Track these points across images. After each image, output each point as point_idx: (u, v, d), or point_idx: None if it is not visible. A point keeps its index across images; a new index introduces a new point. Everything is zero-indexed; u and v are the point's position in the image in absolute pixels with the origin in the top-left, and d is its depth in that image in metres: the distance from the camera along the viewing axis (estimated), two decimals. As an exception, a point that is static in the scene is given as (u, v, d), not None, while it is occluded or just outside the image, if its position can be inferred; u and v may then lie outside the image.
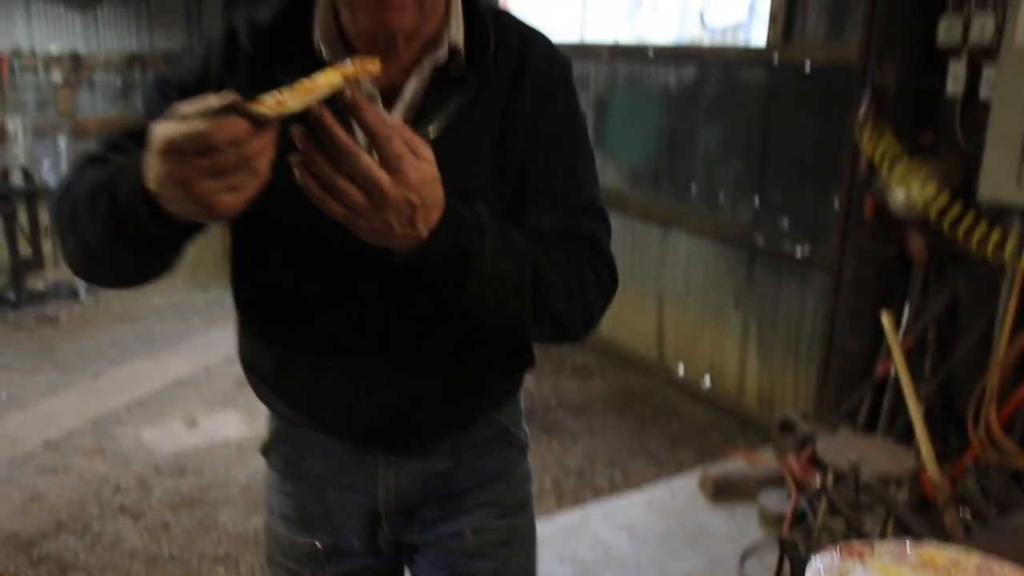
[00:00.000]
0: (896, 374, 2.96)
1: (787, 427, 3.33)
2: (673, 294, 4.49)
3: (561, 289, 1.07)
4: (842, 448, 2.69)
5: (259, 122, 0.76)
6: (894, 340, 3.00)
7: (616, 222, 1.39)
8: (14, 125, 8.37)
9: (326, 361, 1.15)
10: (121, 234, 0.91)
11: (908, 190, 2.88)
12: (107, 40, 9.92)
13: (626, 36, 4.66)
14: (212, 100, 0.77)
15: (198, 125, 0.76)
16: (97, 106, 10.01)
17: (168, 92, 1.04)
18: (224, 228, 1.15)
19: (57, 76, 9.64)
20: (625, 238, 4.66)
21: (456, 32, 1.07)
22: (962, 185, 2.89)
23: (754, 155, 3.95)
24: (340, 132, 0.82)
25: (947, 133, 2.97)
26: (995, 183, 2.72)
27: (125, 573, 2.97)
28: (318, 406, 1.20)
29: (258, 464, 3.65)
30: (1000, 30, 2.74)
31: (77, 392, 4.42)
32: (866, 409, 3.17)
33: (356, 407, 1.17)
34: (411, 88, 1.06)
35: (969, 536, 2.42)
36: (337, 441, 1.23)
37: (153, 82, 1.10)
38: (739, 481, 3.25)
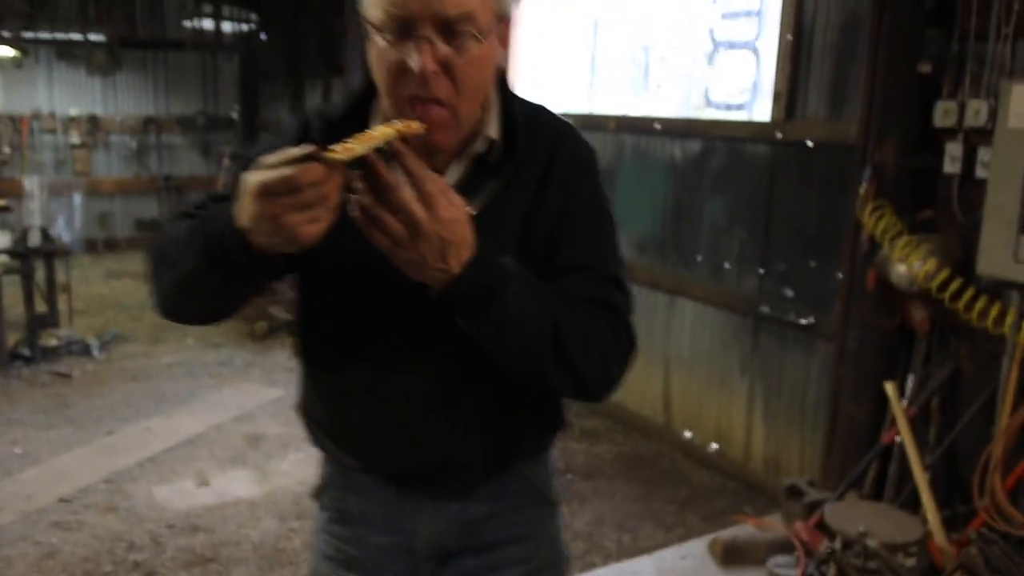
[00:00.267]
0: (901, 442, 3.04)
1: (794, 493, 3.38)
2: (680, 360, 4.57)
3: (580, 343, 1.17)
4: (850, 515, 2.75)
5: (332, 165, 0.97)
6: (899, 409, 3.08)
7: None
8: (32, 184, 8.55)
9: (372, 407, 1.28)
10: (214, 265, 1.09)
11: (909, 265, 3.00)
12: (124, 104, 10.19)
13: (633, 109, 4.84)
14: (293, 151, 0.98)
15: (286, 171, 0.97)
16: (112, 167, 10.24)
17: (247, 167, 1.19)
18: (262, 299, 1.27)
19: (75, 137, 9.88)
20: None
21: (493, 127, 1.23)
22: (962, 260, 3.01)
23: (758, 227, 4.08)
24: (384, 170, 1.00)
25: (945, 210, 3.11)
26: (993, 259, 2.84)
27: (140, 630, 3.00)
28: (365, 449, 1.33)
29: (270, 524, 3.70)
30: (994, 114, 2.89)
31: (90, 449, 4.46)
32: (873, 476, 3.23)
33: (399, 450, 1.30)
34: (453, 173, 1.22)
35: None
36: (383, 484, 1.35)
37: (235, 162, 1.31)
38: (748, 546, 3.29)
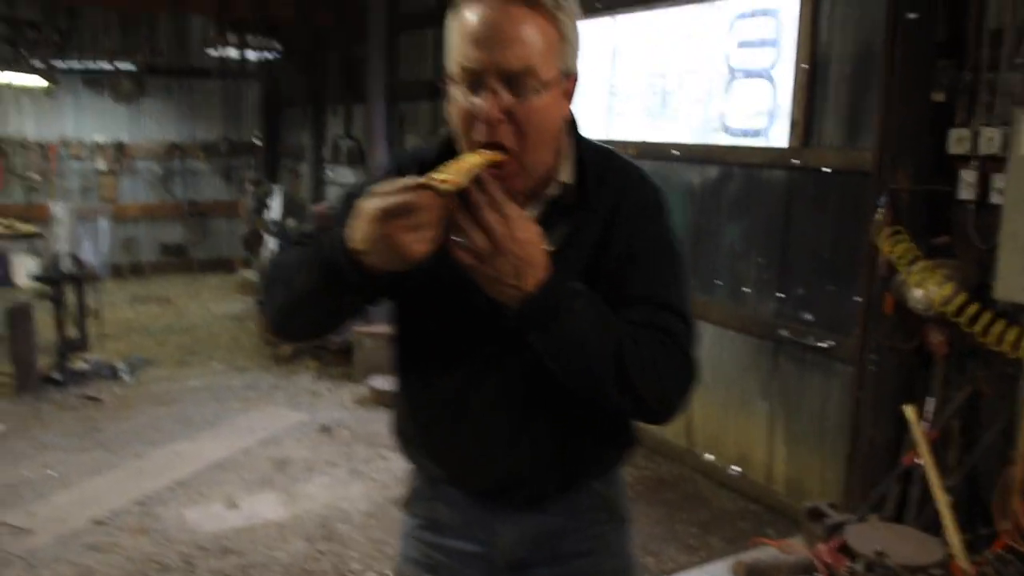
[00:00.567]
0: (922, 465, 3.08)
1: (816, 515, 3.42)
2: (701, 383, 4.61)
3: (641, 366, 1.25)
4: (872, 537, 2.79)
5: (441, 193, 1.13)
6: (919, 432, 3.13)
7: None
8: (59, 210, 8.75)
9: (456, 424, 1.44)
10: (327, 283, 1.24)
11: (926, 289, 3.05)
12: (149, 130, 10.39)
13: (651, 136, 4.92)
14: (407, 180, 1.14)
15: (404, 196, 1.13)
16: (137, 192, 10.43)
17: (354, 204, 1.34)
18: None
19: (101, 164, 10.08)
20: (652, 328, 4.81)
21: (566, 172, 1.37)
22: (979, 285, 3.06)
23: (776, 251, 4.14)
24: (474, 192, 1.16)
25: (962, 235, 3.16)
26: (1009, 283, 2.89)
27: (175, 651, 3.07)
28: (450, 463, 1.48)
29: (298, 545, 3.78)
30: (1007, 142, 2.95)
31: (121, 472, 4.56)
32: (894, 498, 3.27)
33: (479, 465, 1.45)
34: (529, 214, 1.32)
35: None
36: (466, 495, 1.49)
37: (342, 199, 1.45)
38: (771, 568, 3.33)
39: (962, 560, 2.77)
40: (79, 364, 6.11)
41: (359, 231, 1.18)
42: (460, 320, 1.38)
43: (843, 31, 3.75)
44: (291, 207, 8.96)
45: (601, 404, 1.32)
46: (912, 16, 3.25)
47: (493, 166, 1.21)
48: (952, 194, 3.18)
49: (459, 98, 1.26)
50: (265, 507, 4.16)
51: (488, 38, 1.22)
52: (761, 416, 4.27)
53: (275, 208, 8.86)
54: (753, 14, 4.23)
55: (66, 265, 6.08)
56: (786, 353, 4.12)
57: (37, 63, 7.77)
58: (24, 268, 8.98)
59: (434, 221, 1.14)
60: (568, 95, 1.34)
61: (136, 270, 10.31)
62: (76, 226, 9.47)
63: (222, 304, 8.90)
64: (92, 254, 9.16)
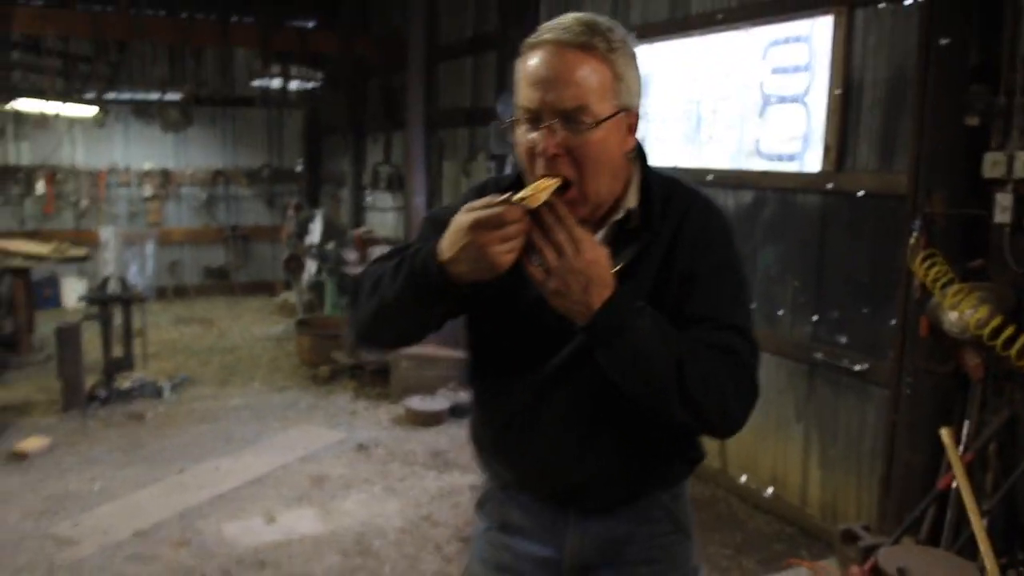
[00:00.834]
0: (958, 488, 3.06)
1: (850, 538, 3.40)
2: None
3: (702, 381, 1.32)
4: (906, 560, 2.78)
5: (527, 209, 1.27)
6: (955, 455, 3.11)
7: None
8: (107, 234, 9.01)
9: (527, 433, 1.53)
10: (415, 292, 1.36)
11: (961, 312, 3.05)
12: (194, 158, 10.68)
13: (686, 161, 4.97)
14: (499, 197, 1.28)
15: (497, 210, 1.25)
16: (182, 217, 10.69)
17: (436, 225, 1.46)
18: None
19: (148, 190, 10.36)
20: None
21: (632, 199, 1.47)
22: (1014, 308, 3.05)
23: (811, 275, 4.16)
24: (547, 214, 1.28)
25: (998, 259, 3.16)
26: (1045, 306, 2.88)
27: (214, 659, 3.12)
28: (521, 469, 1.58)
29: (333, 560, 3.84)
30: (1042, 165, 2.96)
31: (163, 486, 4.66)
32: (929, 522, 3.24)
33: (548, 472, 1.54)
34: (597, 237, 1.45)
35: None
36: (536, 500, 1.58)
37: (426, 220, 1.60)
38: (803, 591, 3.32)
39: (999, 584, 2.75)
40: (124, 383, 6.27)
41: (451, 241, 1.30)
42: (532, 335, 1.48)
43: (876, 56, 3.78)
44: (331, 232, 9.13)
45: (665, 418, 1.39)
46: (945, 41, 3.28)
47: (558, 192, 1.33)
48: (987, 218, 3.18)
49: (522, 135, 1.39)
50: (302, 522, 4.23)
51: (544, 80, 1.35)
52: (796, 438, 4.26)
53: (316, 233, 9.04)
54: (787, 40, 4.28)
55: (113, 287, 6.25)
56: (821, 376, 4.11)
57: (89, 95, 8.04)
58: (73, 290, 9.27)
59: (520, 234, 1.26)
60: (630, 128, 1.44)
61: (180, 292, 10.55)
62: (123, 250, 9.74)
63: (263, 326, 9.06)
64: (138, 277, 9.41)
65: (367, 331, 1.51)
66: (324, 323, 7.65)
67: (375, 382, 6.53)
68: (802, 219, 4.21)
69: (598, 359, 1.34)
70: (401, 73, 7.81)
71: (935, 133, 3.31)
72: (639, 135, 1.48)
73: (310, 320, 7.87)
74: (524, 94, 1.38)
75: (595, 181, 1.39)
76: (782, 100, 4.33)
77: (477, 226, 1.26)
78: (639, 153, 1.51)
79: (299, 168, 11.07)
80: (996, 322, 3.00)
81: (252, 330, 8.85)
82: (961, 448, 3.18)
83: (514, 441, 1.56)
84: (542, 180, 1.33)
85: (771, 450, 4.41)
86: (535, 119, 1.36)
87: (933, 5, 3.32)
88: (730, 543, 4.09)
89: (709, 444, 4.57)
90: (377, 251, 6.92)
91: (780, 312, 4.32)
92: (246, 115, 10.74)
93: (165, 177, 10.42)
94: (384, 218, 8.99)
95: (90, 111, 8.17)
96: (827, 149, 4.00)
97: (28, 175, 9.74)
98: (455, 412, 5.87)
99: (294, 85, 9.00)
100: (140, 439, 5.40)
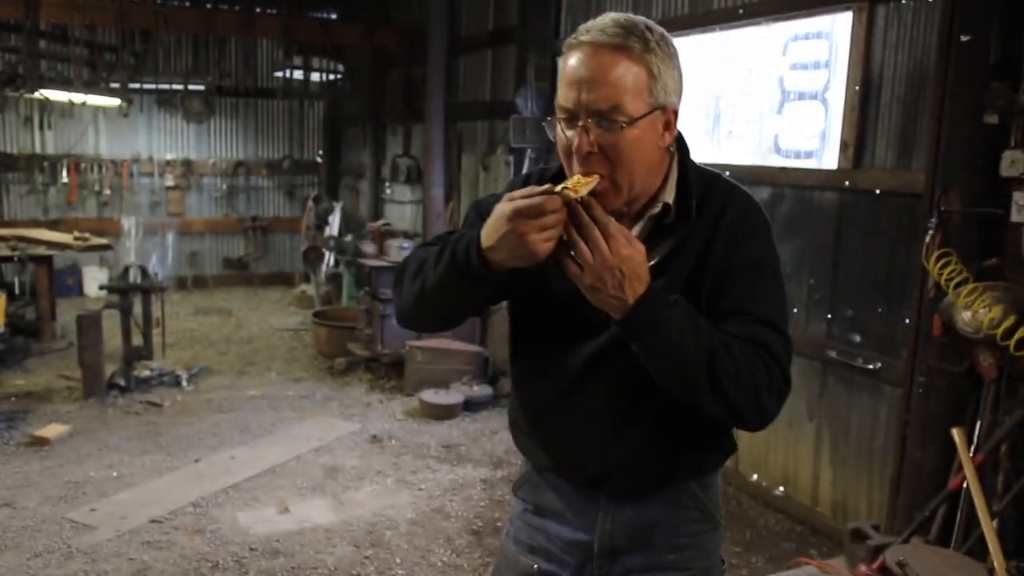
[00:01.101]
0: (968, 488, 3.04)
1: (859, 536, 3.39)
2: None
3: (733, 373, 1.35)
4: (914, 558, 2.76)
5: (566, 200, 1.30)
6: (966, 455, 3.09)
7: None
8: (129, 224, 9.11)
9: (562, 419, 1.58)
10: (457, 276, 1.40)
11: (974, 312, 3.03)
12: (216, 148, 10.76)
13: (704, 156, 4.95)
14: (539, 188, 1.32)
15: (537, 200, 1.29)
16: (203, 208, 10.79)
17: (481, 213, 1.52)
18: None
19: (170, 180, 10.46)
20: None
21: (670, 194, 1.50)
22: (1029, 308, 3.02)
23: (826, 272, 4.13)
24: (582, 212, 1.32)
25: (1012, 258, 3.13)
26: (1061, 307, 2.85)
27: (225, 645, 3.17)
28: (556, 454, 1.62)
29: (346, 550, 3.87)
30: (1061, 164, 2.93)
31: (180, 474, 4.72)
32: (940, 521, 3.22)
33: (582, 457, 1.58)
34: (635, 230, 1.49)
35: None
36: (571, 485, 1.63)
37: (472, 207, 1.65)
38: (812, 589, 3.31)
39: (1008, 586, 2.73)
40: (143, 371, 6.36)
41: (492, 229, 1.34)
42: (569, 323, 1.52)
43: (896, 53, 3.75)
44: (350, 224, 9.19)
45: (697, 408, 1.42)
46: (965, 38, 3.25)
47: (591, 193, 1.36)
48: (1004, 216, 3.16)
49: (560, 132, 1.44)
50: (315, 512, 4.27)
51: (580, 81, 1.38)
52: (808, 437, 4.24)
53: (334, 225, 9.09)
54: (807, 36, 4.25)
55: (134, 277, 6.32)
56: (834, 374, 4.10)
57: (114, 84, 8.14)
58: (95, 279, 9.39)
59: (559, 223, 1.30)
60: (667, 125, 1.46)
61: (199, 282, 10.65)
62: (144, 239, 9.85)
63: (281, 317, 9.13)
64: (159, 266, 9.50)
65: (410, 313, 1.56)
66: (341, 315, 7.71)
67: (390, 375, 6.57)
68: (819, 216, 4.19)
69: (633, 350, 1.39)
70: (421, 65, 7.83)
71: (953, 130, 3.28)
72: (679, 130, 1.51)
73: (327, 312, 7.92)
74: (562, 93, 1.42)
75: (630, 177, 1.42)
76: (801, 96, 4.30)
77: (517, 215, 1.29)
78: (680, 147, 1.53)
79: (319, 160, 11.14)
80: (1010, 322, 2.97)
81: (270, 321, 8.92)
82: (972, 448, 3.16)
83: (549, 425, 1.62)
84: (582, 176, 1.37)
85: (783, 448, 4.40)
86: (572, 118, 1.40)
87: (955, 1, 3.29)
88: (740, 541, 4.08)
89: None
90: (395, 244, 6.96)
91: (795, 309, 4.30)
92: (268, 107, 10.83)
93: (187, 167, 10.51)
94: (403, 211, 9.02)
95: (115, 101, 8.25)
96: (845, 146, 3.97)
97: (53, 164, 9.87)
98: (469, 406, 5.90)
99: (315, 77, 9.04)
100: (158, 427, 5.47)
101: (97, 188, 10.11)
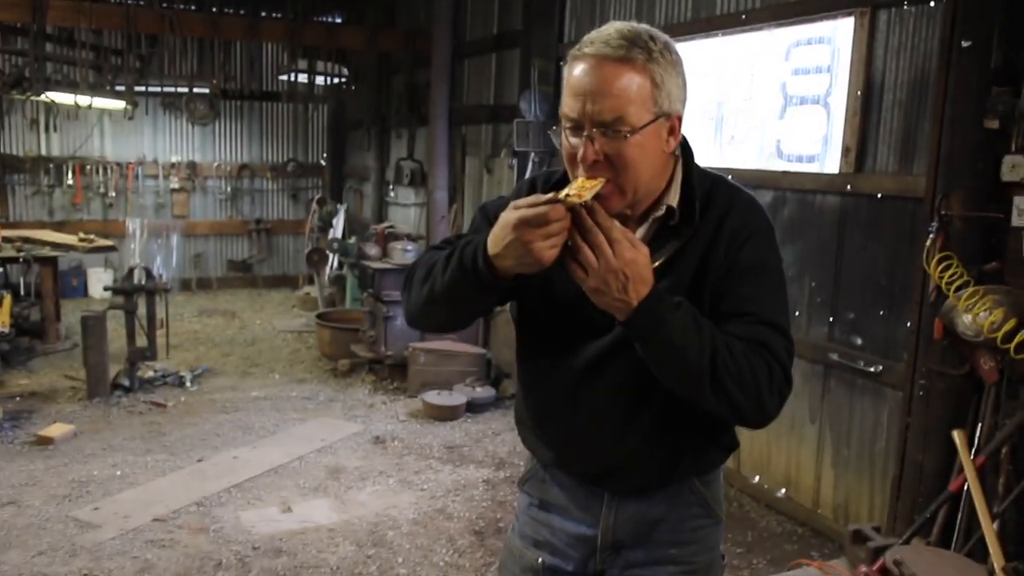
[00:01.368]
0: (969, 490, 3.05)
1: (860, 538, 3.40)
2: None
3: (735, 373, 1.38)
4: (914, 560, 2.78)
5: (569, 207, 1.32)
6: (967, 458, 3.10)
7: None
8: (134, 225, 9.15)
9: (567, 416, 1.62)
10: (465, 281, 1.44)
11: (974, 315, 3.04)
12: (221, 151, 10.80)
13: (706, 161, 4.96)
14: (543, 196, 1.34)
15: (541, 209, 1.31)
16: (207, 210, 10.82)
17: (489, 216, 1.57)
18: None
19: (175, 182, 10.50)
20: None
21: (674, 196, 1.53)
22: (1030, 311, 3.03)
23: (828, 276, 4.15)
24: (586, 217, 1.34)
25: (1014, 261, 3.14)
26: (1061, 310, 2.87)
27: (228, 642, 3.18)
28: (561, 450, 1.66)
29: (348, 549, 3.89)
30: (1062, 169, 2.95)
31: (183, 474, 4.74)
32: (940, 523, 3.24)
33: (587, 454, 1.62)
34: (639, 232, 1.52)
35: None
36: (575, 481, 1.67)
37: (479, 210, 1.69)
38: (812, 590, 3.32)
39: (1008, 588, 2.74)
40: (147, 372, 6.39)
41: (497, 237, 1.37)
42: (574, 324, 1.56)
43: (898, 58, 3.77)
44: (354, 226, 9.21)
45: (699, 406, 1.45)
46: (967, 44, 3.26)
47: (595, 197, 1.38)
48: (1004, 221, 3.17)
49: (565, 139, 1.47)
50: (318, 512, 4.29)
51: (584, 92, 1.41)
52: (809, 439, 4.25)
53: (338, 227, 9.12)
54: (809, 42, 4.27)
55: (138, 278, 6.34)
56: (836, 377, 4.11)
57: (119, 87, 8.18)
58: (99, 280, 9.43)
59: (563, 231, 1.33)
60: (671, 131, 1.49)
61: (204, 284, 10.68)
62: (149, 241, 9.89)
63: (284, 319, 9.15)
64: (163, 268, 9.54)
65: (419, 315, 1.60)
66: (344, 317, 7.73)
67: (393, 376, 6.59)
68: (820, 220, 4.21)
69: (637, 350, 1.42)
70: (426, 69, 7.86)
71: (954, 135, 3.30)
72: (683, 134, 1.54)
73: (331, 314, 7.94)
74: (567, 103, 1.44)
75: (633, 181, 1.45)
76: (803, 101, 4.32)
77: (521, 224, 1.32)
78: (684, 151, 1.56)
79: (324, 162, 11.17)
80: (1010, 325, 2.99)
81: (274, 323, 8.95)
82: (973, 451, 3.17)
83: (554, 423, 1.65)
84: (586, 180, 1.39)
85: (785, 450, 4.41)
86: (577, 127, 1.43)
87: (956, 7, 3.31)
88: (741, 542, 4.10)
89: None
90: (398, 247, 6.99)
91: (796, 312, 4.32)
92: (272, 109, 10.87)
93: (192, 169, 10.55)
94: (407, 214, 9.05)
95: (120, 103, 8.29)
96: (847, 150, 3.99)
97: (58, 166, 9.91)
98: (471, 407, 5.92)
99: (320, 80, 9.07)
100: (162, 428, 5.49)
101: (102, 190, 10.15)
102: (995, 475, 3.16)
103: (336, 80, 9.28)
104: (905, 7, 3.73)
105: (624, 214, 1.48)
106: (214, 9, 8.34)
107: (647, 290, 1.36)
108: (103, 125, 10.09)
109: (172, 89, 9.41)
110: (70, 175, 9.95)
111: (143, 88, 8.53)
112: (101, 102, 8.34)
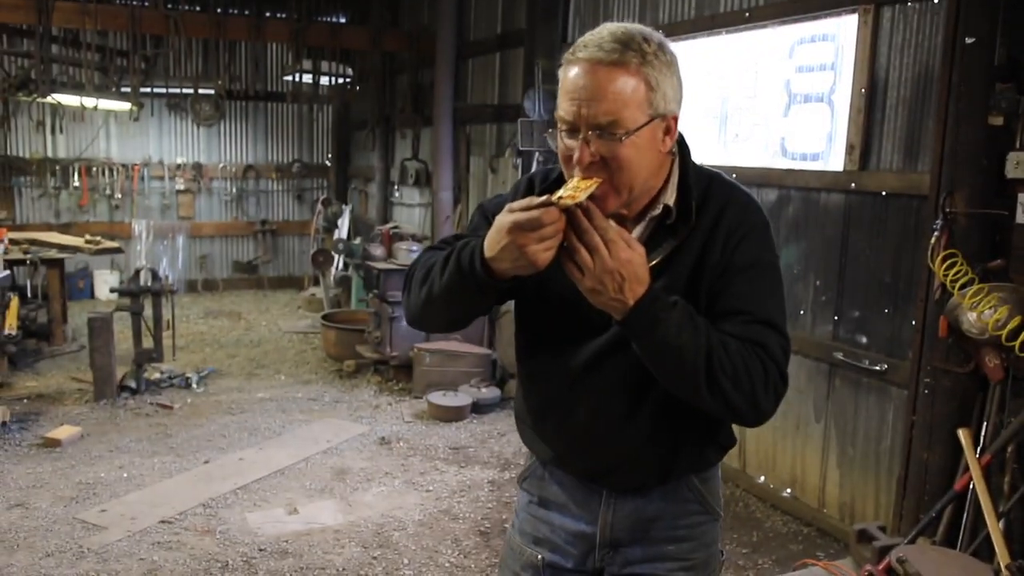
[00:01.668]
0: (975, 489, 3.04)
1: (865, 537, 3.39)
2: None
3: (730, 372, 1.39)
4: (920, 559, 2.77)
5: (563, 210, 1.32)
6: (972, 457, 3.09)
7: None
8: (140, 227, 9.17)
9: (565, 415, 1.63)
10: (462, 283, 1.45)
11: (979, 313, 3.03)
12: (226, 152, 10.82)
13: (711, 159, 4.96)
14: (537, 199, 1.34)
15: (534, 213, 1.32)
16: (213, 211, 10.85)
17: (487, 215, 1.59)
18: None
19: (180, 183, 10.52)
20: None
21: (670, 195, 1.53)
22: (1035, 309, 3.02)
23: (833, 274, 4.14)
24: (582, 218, 1.34)
25: (1018, 259, 3.13)
26: (1066, 308, 2.85)
27: (234, 644, 3.19)
28: (559, 448, 1.68)
29: (353, 551, 3.89)
30: (1066, 166, 2.93)
31: (190, 476, 4.75)
32: (946, 522, 3.23)
33: (584, 452, 1.63)
34: (636, 232, 1.54)
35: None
36: (574, 478, 1.69)
37: (478, 209, 1.70)
38: (818, 590, 3.31)
39: (1014, 587, 2.73)
40: (154, 374, 6.41)
41: (493, 241, 1.38)
42: (571, 323, 1.57)
43: (901, 55, 3.76)
44: (359, 227, 9.22)
45: (695, 405, 1.46)
46: (970, 40, 3.25)
47: (591, 197, 1.38)
48: (1009, 218, 3.16)
49: (561, 141, 1.47)
50: (324, 513, 4.30)
51: (579, 96, 1.41)
52: (815, 439, 4.24)
53: (343, 228, 9.13)
54: (812, 39, 4.26)
55: (144, 280, 6.36)
56: (841, 376, 4.10)
57: (125, 88, 8.20)
58: (106, 282, 9.46)
59: (558, 233, 1.33)
60: (667, 131, 1.49)
61: (209, 286, 10.71)
62: (155, 243, 9.92)
63: (290, 320, 9.17)
64: (169, 269, 9.57)
65: (419, 316, 1.62)
66: (350, 318, 7.74)
67: (399, 377, 6.60)
68: (825, 218, 4.19)
69: (635, 350, 1.43)
70: (430, 69, 7.87)
71: (959, 132, 3.28)
72: (680, 132, 1.54)
73: (336, 315, 7.96)
74: (562, 106, 1.45)
75: (629, 181, 1.46)
76: (807, 99, 4.31)
77: (515, 228, 1.33)
78: (681, 148, 1.56)
79: (329, 163, 11.18)
80: (1015, 322, 2.98)
81: (279, 324, 8.97)
82: (979, 449, 3.16)
83: (553, 421, 1.67)
84: (581, 181, 1.40)
85: (790, 450, 4.40)
86: (572, 129, 1.44)
87: (960, 4, 3.29)
88: (747, 542, 4.09)
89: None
90: (404, 247, 6.99)
91: (801, 311, 4.31)
92: (277, 110, 10.89)
93: (197, 171, 10.57)
94: (411, 214, 9.05)
95: (126, 105, 8.32)
96: (851, 148, 3.98)
97: (64, 169, 9.95)
98: (477, 408, 5.92)
99: (325, 80, 9.08)
100: (168, 429, 5.51)
101: (108, 192, 10.18)
102: (1000, 474, 3.15)
103: (340, 80, 9.28)
104: (909, 4, 3.71)
105: (620, 213, 1.49)
106: (218, 10, 8.36)
107: (643, 290, 1.37)
108: (109, 127, 10.12)
109: (177, 90, 9.43)
110: (76, 177, 9.99)
111: (148, 89, 8.55)
112: (106, 104, 8.37)
